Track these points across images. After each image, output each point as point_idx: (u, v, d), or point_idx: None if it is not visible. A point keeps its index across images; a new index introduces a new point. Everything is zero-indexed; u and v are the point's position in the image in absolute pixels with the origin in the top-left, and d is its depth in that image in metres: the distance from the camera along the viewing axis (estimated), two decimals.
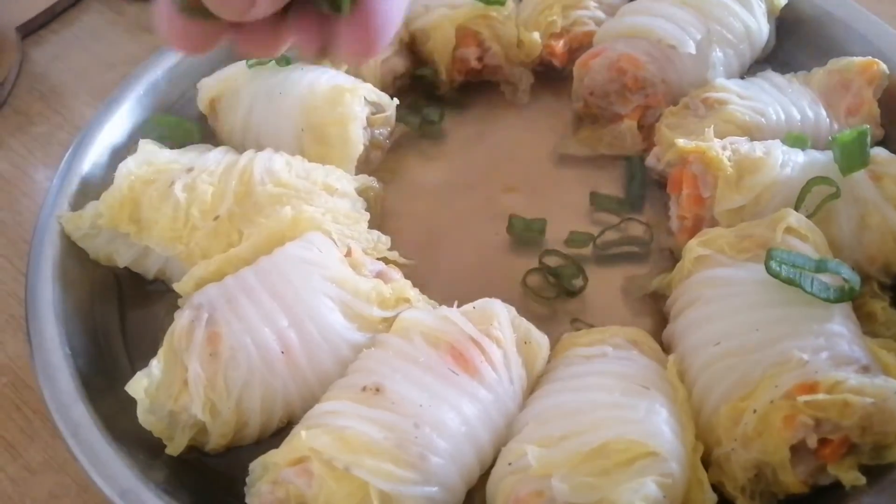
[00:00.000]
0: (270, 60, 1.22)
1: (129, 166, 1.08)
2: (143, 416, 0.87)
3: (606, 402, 0.80)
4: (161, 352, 0.90)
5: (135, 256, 1.07)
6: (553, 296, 1.08)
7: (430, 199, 1.22)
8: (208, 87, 1.24)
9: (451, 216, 1.20)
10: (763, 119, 1.10)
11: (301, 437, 0.79)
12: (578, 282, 1.08)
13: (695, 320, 0.89)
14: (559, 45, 1.30)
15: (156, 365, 0.89)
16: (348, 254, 0.99)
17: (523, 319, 0.92)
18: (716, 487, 0.80)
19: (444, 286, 1.11)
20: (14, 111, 1.56)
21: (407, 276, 1.04)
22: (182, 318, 0.91)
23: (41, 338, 0.97)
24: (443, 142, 1.31)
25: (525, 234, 1.15)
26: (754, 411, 0.78)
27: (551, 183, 1.22)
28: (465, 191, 1.24)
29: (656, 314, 1.03)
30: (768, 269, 0.85)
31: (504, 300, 0.95)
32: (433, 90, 1.35)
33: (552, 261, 1.12)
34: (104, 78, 1.61)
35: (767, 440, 0.77)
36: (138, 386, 0.87)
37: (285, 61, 1.21)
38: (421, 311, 0.94)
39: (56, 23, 1.76)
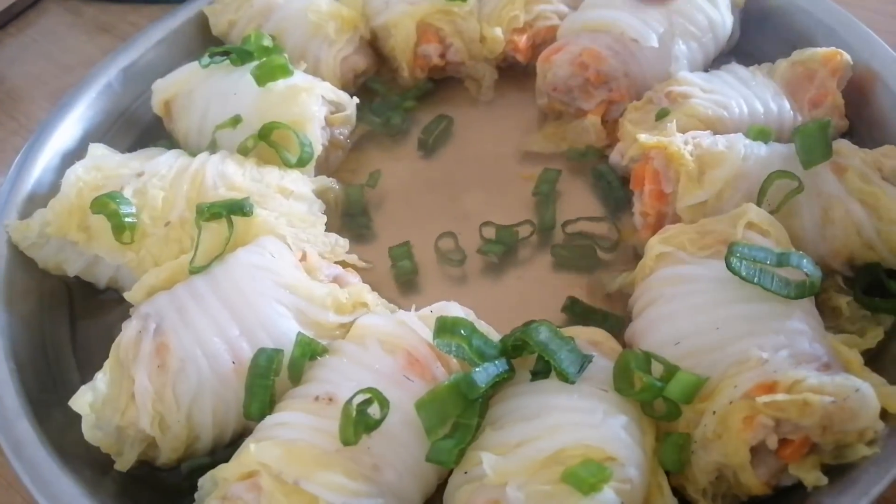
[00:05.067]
0: (225, 59, 1.19)
1: (76, 172, 1.05)
2: (89, 432, 0.84)
3: (564, 406, 0.78)
4: (107, 364, 0.87)
5: (85, 265, 1.04)
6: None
7: (392, 198, 1.20)
8: (162, 89, 1.21)
9: (413, 216, 1.18)
10: (726, 112, 1.08)
11: (250, 451, 0.76)
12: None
13: (655, 319, 0.87)
14: (522, 41, 1.28)
15: (101, 378, 0.86)
16: (303, 258, 0.97)
17: (482, 322, 0.90)
18: (677, 491, 0.79)
19: (406, 287, 1.09)
20: None
21: (366, 279, 1.02)
22: (129, 329, 0.88)
23: None
24: (405, 140, 1.28)
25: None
26: (714, 413, 0.76)
27: (516, 181, 1.20)
28: (429, 190, 1.21)
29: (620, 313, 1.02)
30: (728, 266, 0.83)
31: (464, 302, 0.93)
32: (395, 87, 1.33)
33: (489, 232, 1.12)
34: (62, 81, 1.58)
35: (727, 442, 0.75)
36: (83, 401, 0.84)
37: (240, 59, 1.17)
38: (378, 317, 0.91)
39: (13, 25, 1.72)
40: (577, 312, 1.01)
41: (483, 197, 1.19)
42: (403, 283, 1.09)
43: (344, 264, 1.03)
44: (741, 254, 0.83)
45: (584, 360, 0.81)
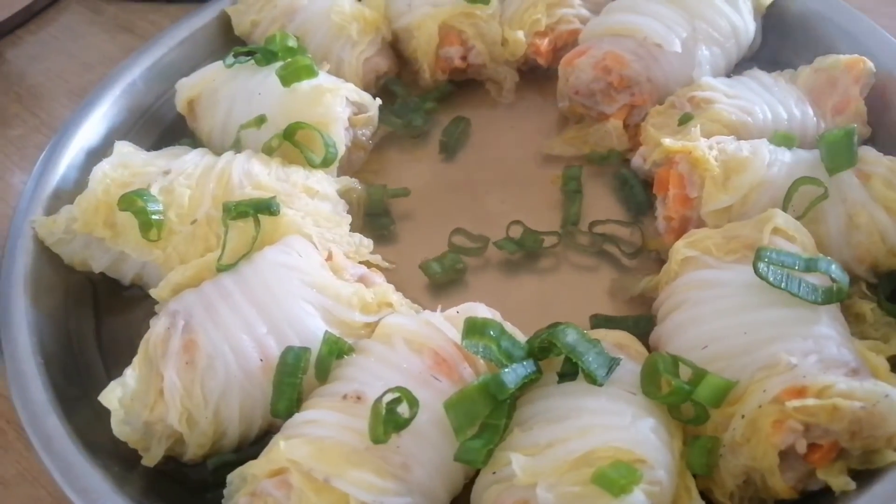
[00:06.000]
0: (250, 59, 1.19)
1: (104, 169, 1.05)
2: (118, 427, 0.85)
3: (593, 408, 0.78)
4: (136, 360, 0.88)
5: (110, 261, 1.05)
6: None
7: (413, 200, 1.20)
8: (186, 88, 1.22)
9: (435, 217, 1.18)
10: (750, 118, 1.09)
11: (280, 448, 0.77)
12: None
13: (682, 323, 0.87)
14: (544, 44, 1.29)
15: (130, 374, 0.86)
16: (329, 258, 0.97)
17: (507, 323, 0.90)
18: (704, 494, 0.79)
19: (428, 289, 1.09)
20: None
21: (389, 280, 1.02)
22: (158, 326, 0.89)
23: (13, 347, 0.95)
24: (426, 142, 1.29)
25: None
26: (742, 416, 0.76)
27: (537, 184, 1.20)
28: (450, 192, 1.22)
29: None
30: (756, 271, 0.83)
31: (489, 304, 0.93)
32: (415, 89, 1.34)
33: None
34: (82, 79, 1.58)
35: (756, 446, 0.76)
36: (112, 396, 0.84)
37: (265, 59, 1.18)
38: (403, 316, 0.92)
39: (33, 23, 1.73)
40: (605, 327, 1.00)
41: (504, 199, 1.20)
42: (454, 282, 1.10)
43: (368, 264, 1.04)
44: (769, 259, 0.84)
45: (612, 363, 0.81)
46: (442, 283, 1.10)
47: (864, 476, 0.76)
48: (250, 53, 1.20)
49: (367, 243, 1.05)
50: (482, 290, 1.09)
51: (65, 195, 1.11)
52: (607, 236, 1.11)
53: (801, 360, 0.77)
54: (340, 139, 1.13)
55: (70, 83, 1.59)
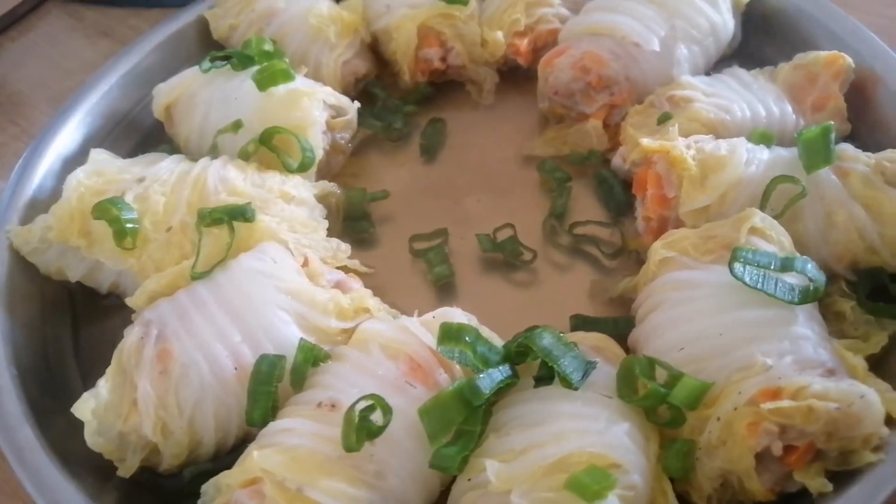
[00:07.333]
0: (226, 64, 1.19)
1: (78, 177, 1.04)
2: (91, 438, 0.84)
3: (568, 413, 0.78)
4: (109, 370, 0.87)
5: (86, 270, 1.04)
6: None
7: (393, 203, 1.19)
8: (164, 93, 1.21)
9: (415, 221, 1.17)
10: (728, 116, 1.08)
11: (253, 458, 0.76)
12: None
13: (658, 324, 0.87)
14: (523, 44, 1.28)
15: (103, 384, 0.85)
16: (305, 264, 0.96)
17: (484, 328, 0.89)
18: (681, 497, 0.79)
19: (408, 293, 1.08)
20: None
21: (368, 284, 1.02)
22: (131, 335, 0.88)
23: None
24: (406, 144, 1.28)
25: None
26: (718, 419, 0.76)
27: (517, 185, 1.20)
28: (431, 195, 1.21)
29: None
30: (732, 271, 0.83)
31: (467, 308, 0.93)
32: (395, 91, 1.33)
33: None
34: (62, 85, 1.57)
35: (732, 448, 0.75)
36: (85, 407, 0.84)
37: (241, 64, 1.17)
38: (380, 322, 0.91)
39: (14, 29, 1.72)
40: (584, 327, 1.00)
41: (485, 201, 1.19)
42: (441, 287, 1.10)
43: (346, 269, 1.03)
44: (745, 259, 0.83)
45: (588, 367, 0.81)
46: (451, 278, 1.09)
47: (842, 477, 0.76)
48: (226, 58, 1.19)
49: (345, 248, 1.04)
50: (462, 293, 1.09)
51: (41, 204, 1.10)
52: (587, 237, 1.11)
53: (776, 362, 0.77)
54: (318, 143, 1.12)
55: (51, 90, 1.58)
